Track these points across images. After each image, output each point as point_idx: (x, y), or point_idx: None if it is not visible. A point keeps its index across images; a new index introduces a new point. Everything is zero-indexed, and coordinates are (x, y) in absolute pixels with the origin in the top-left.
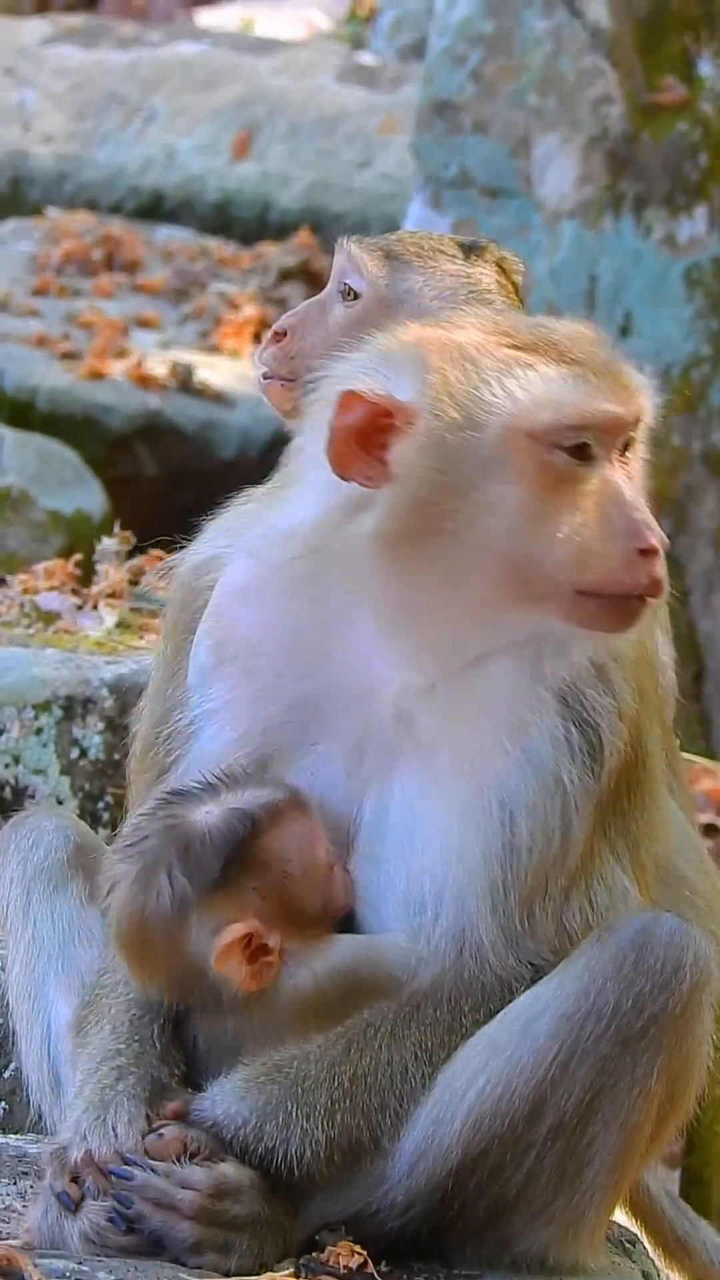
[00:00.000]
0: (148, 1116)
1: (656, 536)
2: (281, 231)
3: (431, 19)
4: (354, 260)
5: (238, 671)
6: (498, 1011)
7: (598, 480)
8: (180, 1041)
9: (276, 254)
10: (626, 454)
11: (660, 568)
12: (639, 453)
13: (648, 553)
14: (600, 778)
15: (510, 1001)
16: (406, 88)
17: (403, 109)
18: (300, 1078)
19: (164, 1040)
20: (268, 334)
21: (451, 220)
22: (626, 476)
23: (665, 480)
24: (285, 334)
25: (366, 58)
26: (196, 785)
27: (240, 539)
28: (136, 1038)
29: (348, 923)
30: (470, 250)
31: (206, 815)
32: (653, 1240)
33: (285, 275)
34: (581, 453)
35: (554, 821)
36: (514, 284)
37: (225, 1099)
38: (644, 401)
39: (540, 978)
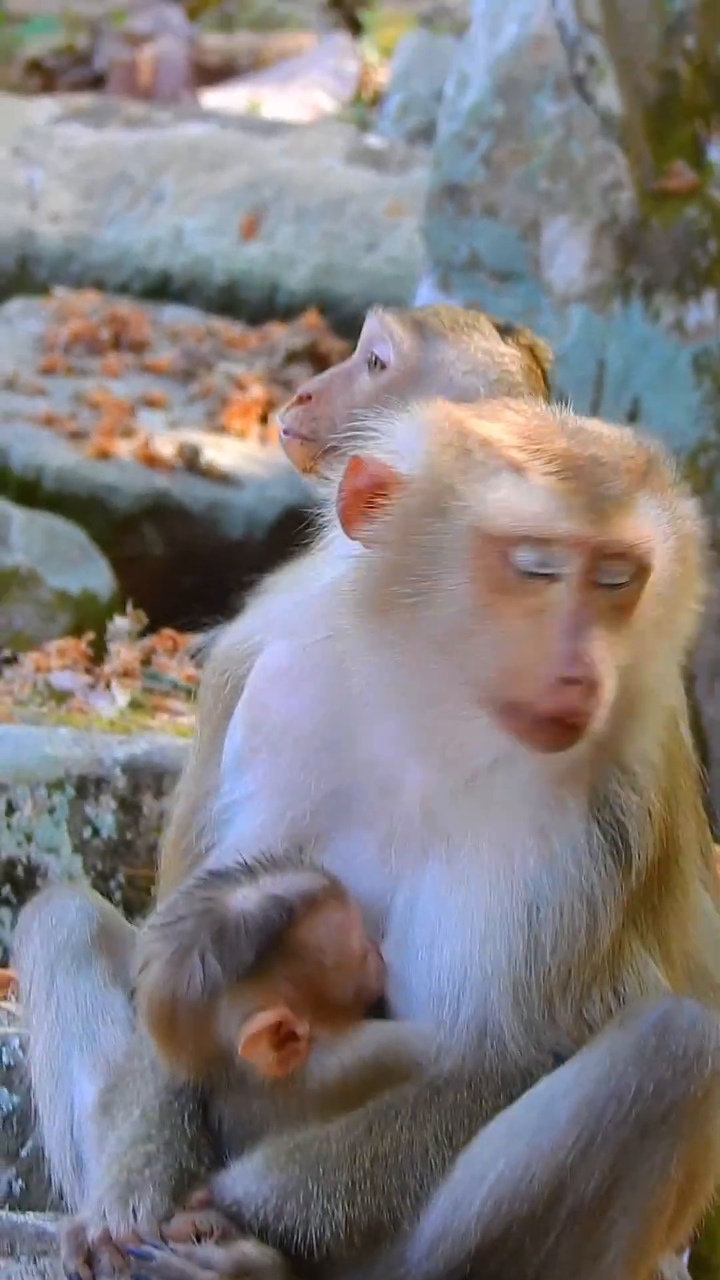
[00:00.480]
0: (171, 1204)
1: (584, 669)
2: (289, 313)
3: (440, 102)
4: (385, 329)
5: (270, 759)
6: (518, 1096)
7: (550, 598)
8: (207, 1122)
9: (284, 335)
10: (620, 580)
11: (585, 698)
12: (645, 583)
13: (571, 681)
14: (628, 878)
15: (531, 1086)
16: (414, 170)
17: (410, 192)
18: (321, 1158)
19: (194, 1127)
20: (292, 397)
21: (460, 303)
22: (582, 602)
23: None
24: (310, 397)
25: (374, 140)
26: (235, 867)
27: (275, 618)
28: (167, 1125)
29: (378, 1006)
30: (505, 331)
31: (243, 901)
32: None
33: (292, 356)
34: (541, 567)
35: (579, 921)
36: (543, 370)
37: (246, 1178)
38: (631, 531)
39: (561, 1063)
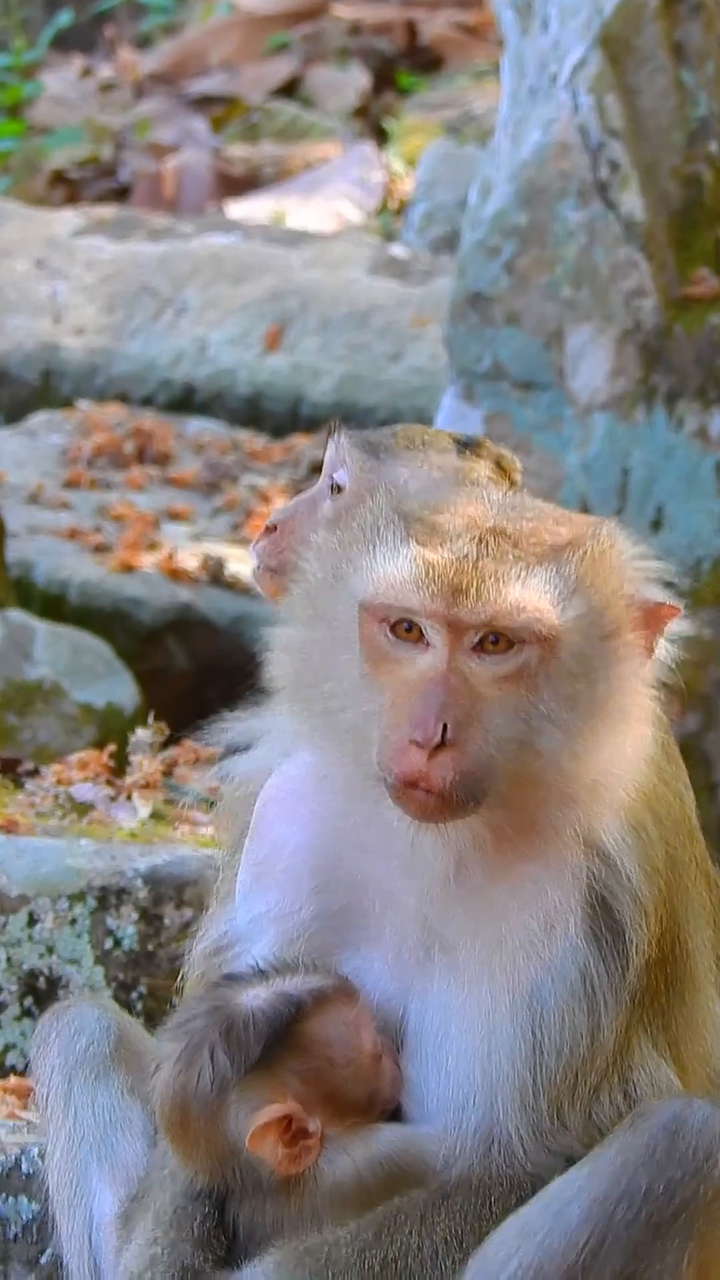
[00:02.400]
0: None
1: (425, 732)
2: (313, 424)
3: (464, 211)
4: (340, 454)
5: (274, 887)
6: (528, 1199)
7: (420, 666)
8: (223, 1225)
9: (308, 447)
10: (499, 651)
11: (429, 762)
12: (543, 656)
13: (416, 745)
14: (628, 977)
15: (540, 1189)
16: (438, 280)
17: (434, 301)
18: (330, 1261)
19: (205, 1229)
20: (262, 528)
21: (484, 413)
22: (444, 671)
23: (694, 674)
24: (276, 528)
25: (398, 250)
26: (248, 970)
27: (278, 740)
28: (175, 1226)
29: (395, 1115)
30: (466, 445)
31: (253, 998)
32: None
33: (316, 468)
34: (409, 636)
35: (581, 1023)
36: (512, 482)
37: None
38: (498, 605)
39: (573, 1164)
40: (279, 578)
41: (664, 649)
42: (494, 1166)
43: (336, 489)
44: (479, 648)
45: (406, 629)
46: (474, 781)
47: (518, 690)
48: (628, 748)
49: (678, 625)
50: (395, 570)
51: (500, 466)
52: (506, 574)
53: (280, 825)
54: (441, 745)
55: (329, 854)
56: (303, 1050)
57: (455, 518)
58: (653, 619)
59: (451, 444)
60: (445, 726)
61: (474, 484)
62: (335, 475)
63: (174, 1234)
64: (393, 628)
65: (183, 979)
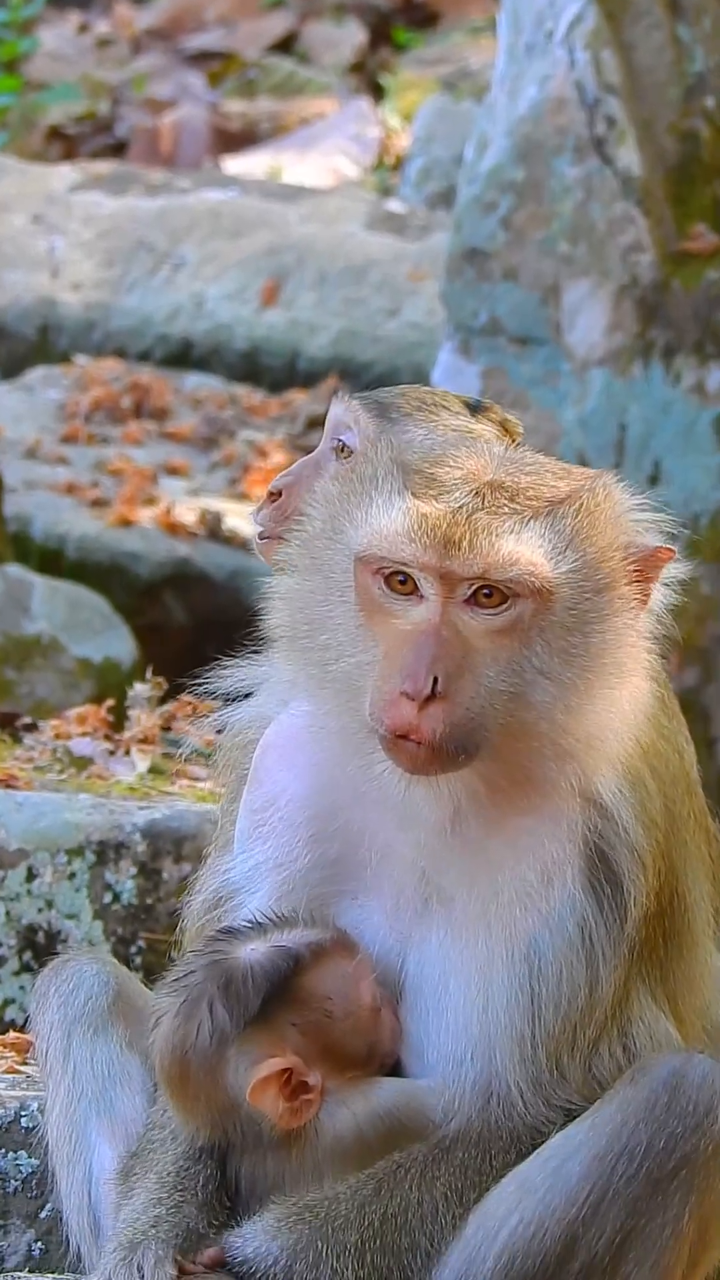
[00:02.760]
0: (178, 1261)
1: (416, 683)
2: (310, 379)
3: (461, 167)
4: (350, 415)
5: (272, 836)
6: (528, 1153)
7: (413, 618)
8: (225, 1184)
9: (305, 402)
10: (492, 603)
11: (419, 714)
12: (537, 609)
13: (406, 696)
14: (626, 930)
15: (541, 1143)
16: (435, 235)
17: (431, 257)
18: (330, 1217)
19: (207, 1191)
20: (264, 494)
21: (480, 368)
22: (437, 623)
23: (693, 629)
24: (280, 493)
25: (395, 205)
26: (245, 924)
27: (277, 689)
28: (179, 1188)
29: (395, 1068)
30: (475, 409)
31: (251, 952)
32: None
33: (313, 423)
34: (403, 587)
35: (579, 975)
36: (515, 445)
37: (257, 1237)
38: (492, 557)
39: (572, 1118)
40: (283, 545)
41: (661, 596)
42: (493, 1120)
43: (343, 450)
44: (472, 600)
45: (401, 581)
46: (465, 734)
47: (511, 643)
48: (623, 702)
49: (675, 570)
50: (390, 522)
51: (505, 430)
52: (501, 527)
53: (278, 773)
54: (432, 697)
55: (326, 803)
56: (301, 1003)
57: (453, 470)
58: (649, 566)
59: (463, 407)
60: (436, 679)
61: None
62: (343, 437)
63: (178, 1196)
64: (387, 580)
65: (181, 930)
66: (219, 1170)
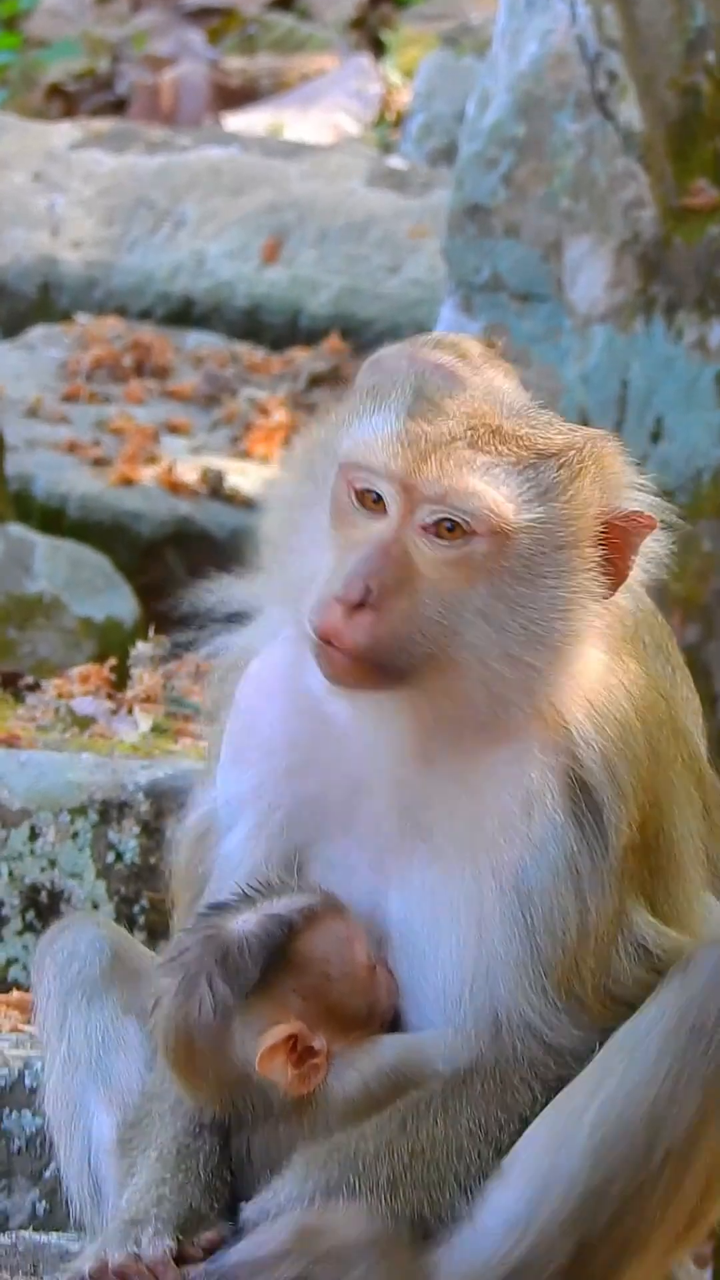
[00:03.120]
0: (180, 1241)
1: (350, 591)
2: (311, 337)
3: (462, 123)
4: None
5: (252, 767)
6: (563, 1076)
7: (370, 531)
8: (229, 1159)
9: (307, 359)
10: (445, 530)
11: (346, 621)
12: (493, 547)
13: (340, 601)
14: (610, 855)
15: (571, 1065)
16: (437, 192)
17: (433, 213)
18: (359, 1154)
19: (209, 1171)
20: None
21: (482, 325)
22: (391, 537)
23: (694, 586)
24: None
25: (396, 161)
26: (233, 897)
27: (268, 624)
28: (182, 1168)
29: (395, 1025)
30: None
31: (244, 923)
32: None
33: (315, 380)
34: (365, 493)
35: (569, 903)
36: None
37: (288, 1185)
38: (458, 484)
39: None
40: None
41: (642, 565)
42: (507, 1049)
43: None
44: (432, 529)
45: (374, 499)
46: (386, 652)
47: (458, 578)
48: (572, 663)
49: (659, 539)
50: (373, 430)
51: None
52: (477, 461)
53: (258, 704)
54: (360, 606)
55: (303, 736)
56: (299, 969)
57: (460, 405)
58: (627, 533)
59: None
60: (370, 589)
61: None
62: None
63: (180, 1176)
64: (360, 494)
65: (169, 864)
66: (220, 1145)
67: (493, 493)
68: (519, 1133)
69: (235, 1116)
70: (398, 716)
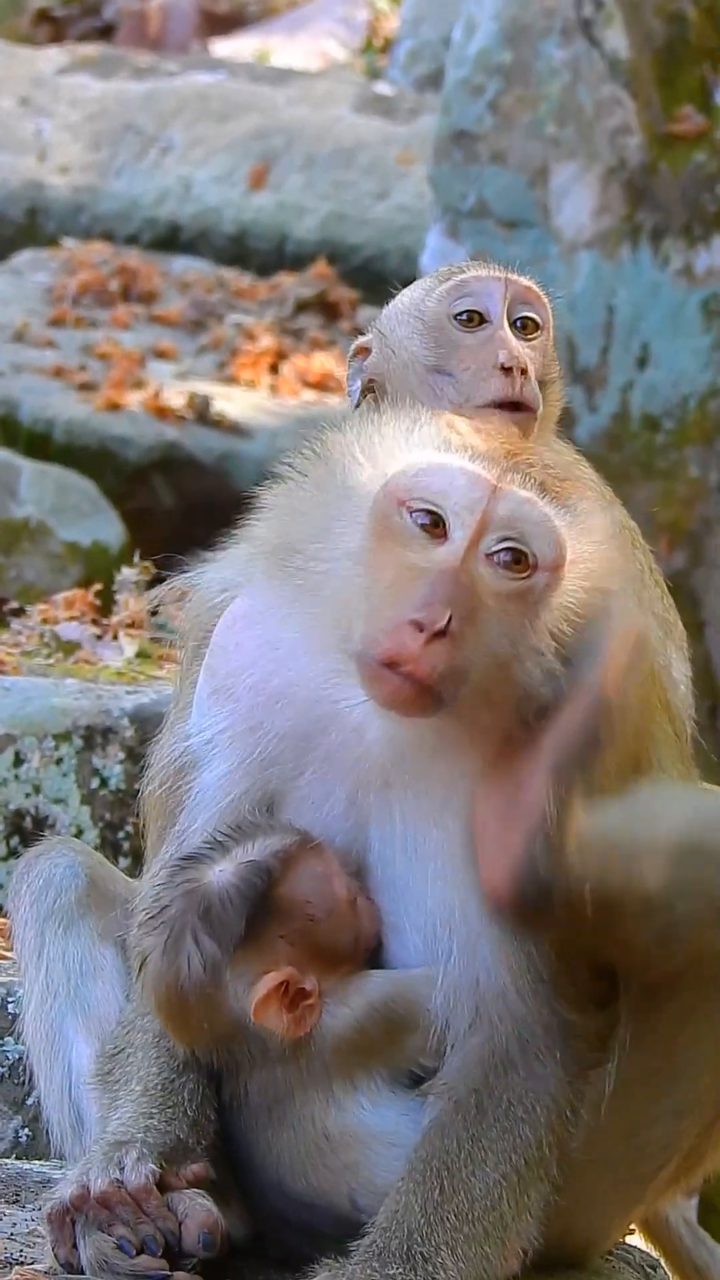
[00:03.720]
0: (164, 1170)
1: (432, 615)
2: (298, 262)
3: (449, 49)
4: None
5: (231, 704)
6: (564, 1042)
7: (432, 556)
8: (214, 1097)
9: (293, 285)
10: (511, 560)
11: (424, 646)
12: (548, 585)
13: (416, 625)
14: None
15: (565, 1031)
16: (424, 118)
17: (420, 140)
18: (412, 1232)
19: (195, 1107)
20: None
21: (468, 251)
22: (460, 567)
23: (681, 512)
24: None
25: (384, 88)
26: (206, 846)
27: (247, 563)
28: (169, 1103)
29: (379, 950)
30: None
31: (221, 874)
32: (672, 1268)
33: (302, 306)
34: (431, 527)
35: None
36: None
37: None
38: (525, 513)
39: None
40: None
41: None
42: (491, 1001)
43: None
44: (493, 560)
45: (425, 524)
46: (454, 681)
47: (518, 611)
48: None
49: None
50: (439, 457)
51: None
52: (537, 497)
53: (247, 643)
54: (439, 635)
55: (286, 676)
56: (283, 914)
57: (497, 444)
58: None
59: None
60: (450, 616)
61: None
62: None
63: (168, 1110)
64: (412, 517)
65: (142, 796)
66: (204, 1083)
67: (558, 526)
68: (561, 1114)
69: (231, 1062)
70: (411, 732)
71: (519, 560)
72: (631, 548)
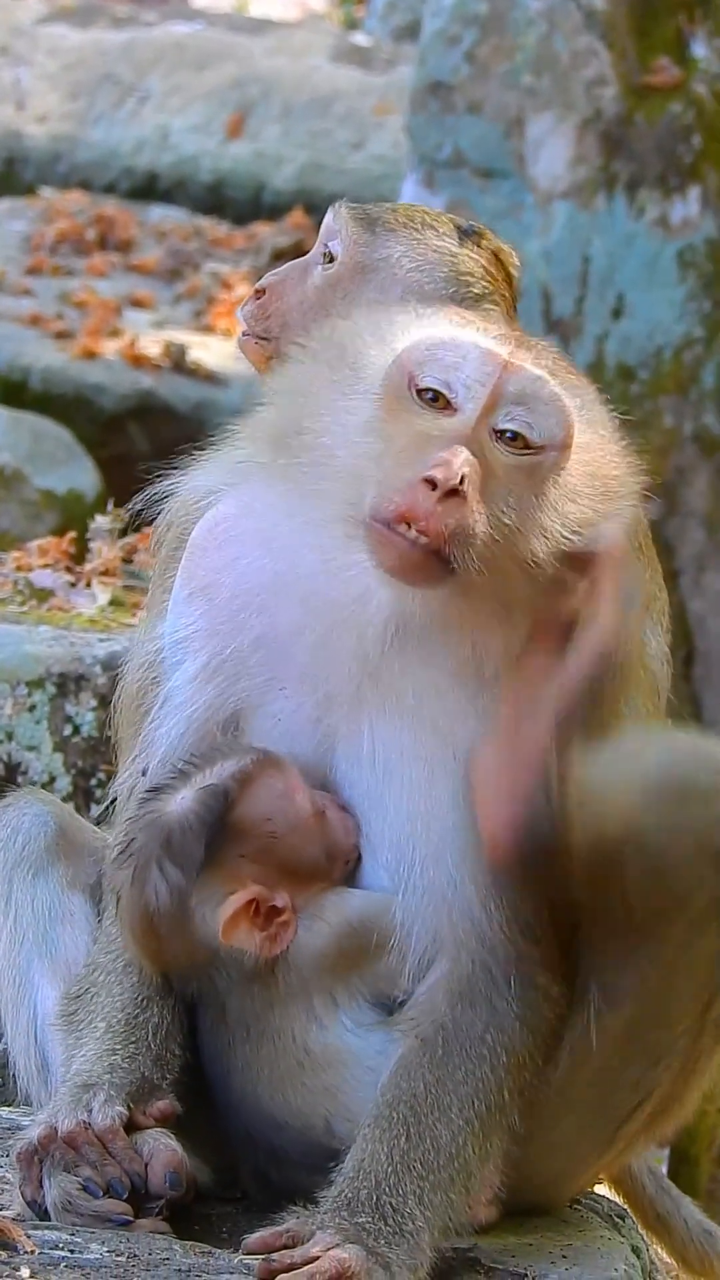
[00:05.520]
0: (131, 1109)
1: (448, 473)
2: (275, 212)
3: (425, 0)
4: (338, 223)
5: (205, 606)
6: (530, 978)
7: (444, 425)
8: (180, 1030)
9: (270, 234)
10: (520, 433)
11: (440, 504)
12: (553, 463)
13: (431, 483)
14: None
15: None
16: (401, 68)
17: (397, 90)
18: (380, 1180)
19: (159, 1042)
20: (250, 292)
21: (445, 200)
22: (473, 433)
23: (656, 461)
24: (264, 291)
25: (360, 38)
26: (170, 775)
27: (227, 470)
28: (133, 1039)
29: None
30: (466, 234)
31: (181, 802)
32: (636, 1216)
33: (278, 255)
34: (436, 402)
35: None
36: (508, 275)
37: (331, 1221)
38: (541, 386)
39: None
40: (263, 345)
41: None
42: (464, 969)
43: (329, 257)
44: (501, 435)
45: (433, 397)
46: (463, 543)
47: (526, 485)
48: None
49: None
50: (451, 332)
51: (499, 260)
52: (547, 375)
53: (216, 548)
54: (454, 493)
55: (263, 582)
56: (243, 834)
57: (501, 329)
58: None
59: (453, 230)
60: (464, 476)
61: (470, 276)
62: (329, 243)
63: (131, 1047)
64: (421, 390)
65: (117, 696)
66: (169, 1017)
67: (568, 405)
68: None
69: (210, 987)
70: (412, 605)
71: (524, 438)
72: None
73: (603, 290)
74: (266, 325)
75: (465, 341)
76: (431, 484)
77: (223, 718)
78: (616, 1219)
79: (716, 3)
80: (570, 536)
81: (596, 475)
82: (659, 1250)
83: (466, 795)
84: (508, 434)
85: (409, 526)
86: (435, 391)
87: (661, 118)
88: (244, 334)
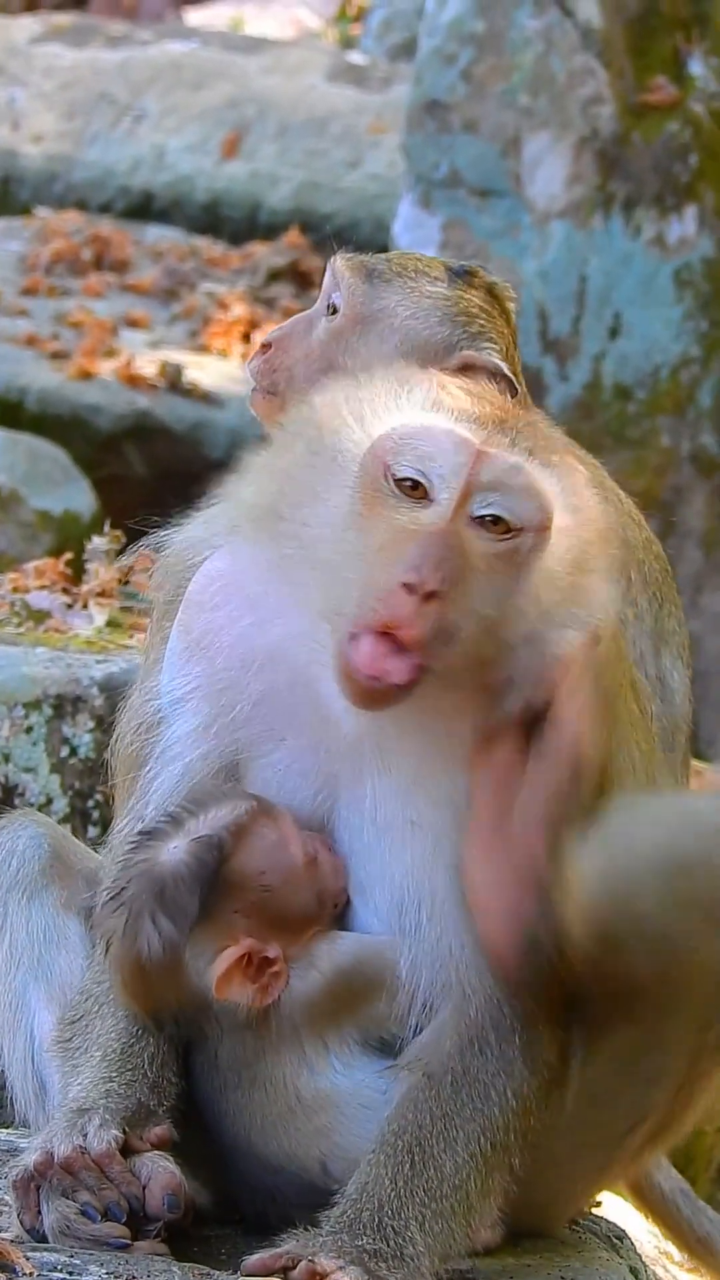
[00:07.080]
0: (127, 1134)
1: (426, 576)
2: (271, 231)
3: (422, 18)
4: (336, 275)
5: (204, 663)
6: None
7: (420, 518)
8: (176, 1059)
9: (266, 254)
10: (497, 520)
11: (418, 609)
12: (533, 548)
13: (410, 588)
14: None
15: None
16: (397, 87)
17: (393, 109)
18: (381, 1205)
19: (155, 1070)
20: (257, 346)
21: (441, 220)
22: (449, 528)
23: (653, 481)
24: (271, 346)
25: (356, 57)
26: (164, 821)
27: (222, 524)
28: (129, 1066)
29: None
30: (457, 275)
31: (174, 851)
32: (674, 1241)
33: (274, 275)
34: (414, 491)
35: None
36: (504, 310)
37: (330, 1245)
38: (517, 474)
39: None
40: (273, 399)
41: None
42: (462, 986)
43: (333, 309)
44: (479, 522)
45: (410, 486)
46: (443, 644)
47: (505, 573)
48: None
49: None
50: (424, 420)
51: (493, 295)
52: (523, 461)
53: (213, 604)
54: (431, 596)
55: (262, 639)
56: (238, 887)
57: (481, 408)
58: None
59: (444, 273)
60: (441, 576)
61: (470, 316)
62: (332, 295)
63: (128, 1075)
64: (397, 481)
65: (112, 754)
66: (166, 1046)
67: (543, 488)
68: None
69: (200, 1032)
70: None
71: (504, 522)
72: (628, 520)
73: (600, 309)
74: (274, 380)
75: (438, 430)
76: (409, 589)
77: (221, 766)
78: (615, 1240)
79: (714, 22)
80: (548, 626)
81: (578, 559)
82: (656, 1272)
83: (464, 905)
84: (487, 519)
85: (386, 637)
86: (413, 480)
87: (658, 137)
88: (253, 389)
